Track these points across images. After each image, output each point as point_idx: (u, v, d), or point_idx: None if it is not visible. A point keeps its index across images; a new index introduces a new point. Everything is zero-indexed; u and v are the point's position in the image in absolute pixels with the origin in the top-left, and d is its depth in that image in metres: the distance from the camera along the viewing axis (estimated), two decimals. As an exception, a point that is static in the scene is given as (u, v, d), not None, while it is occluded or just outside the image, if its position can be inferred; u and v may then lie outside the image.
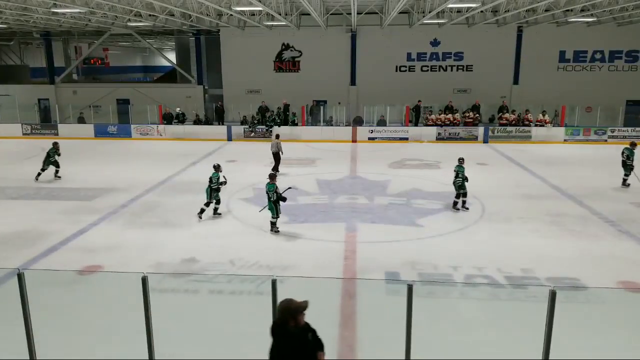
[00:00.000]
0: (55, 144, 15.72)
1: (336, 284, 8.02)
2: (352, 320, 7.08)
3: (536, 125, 23.13)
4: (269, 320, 5.03)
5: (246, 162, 18.32)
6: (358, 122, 25.11)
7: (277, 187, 10.56)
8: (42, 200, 13.40)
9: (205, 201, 11.65)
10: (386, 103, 24.89)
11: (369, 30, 26.26)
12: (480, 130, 23.11)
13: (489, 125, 24.15)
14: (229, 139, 23.61)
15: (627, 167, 14.55)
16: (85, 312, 7.14)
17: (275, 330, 4.16)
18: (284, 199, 10.61)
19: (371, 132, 23.48)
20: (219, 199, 11.83)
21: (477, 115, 24.20)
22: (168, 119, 24.38)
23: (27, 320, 5.16)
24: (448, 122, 23.58)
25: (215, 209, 11.80)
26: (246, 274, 8.52)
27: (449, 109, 24.52)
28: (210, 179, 11.62)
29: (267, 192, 10.58)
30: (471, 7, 19.72)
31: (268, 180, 10.70)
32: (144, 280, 4.99)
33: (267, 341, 5.12)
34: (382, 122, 24.76)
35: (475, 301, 7.92)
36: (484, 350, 6.23)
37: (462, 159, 12.67)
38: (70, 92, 29.44)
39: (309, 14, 21.19)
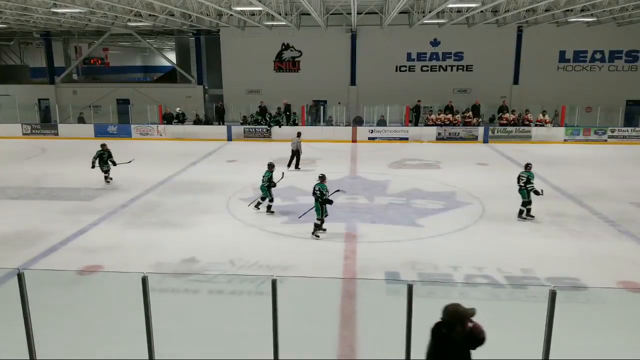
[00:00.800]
0: (104, 146, 15.20)
1: (336, 284, 8.02)
2: (352, 320, 7.07)
3: (536, 125, 23.11)
4: (269, 320, 5.03)
5: (246, 162, 18.33)
6: (358, 122, 25.09)
7: (326, 188, 10.36)
8: (42, 200, 13.40)
9: (268, 197, 11.92)
10: (386, 103, 24.87)
11: (369, 30, 26.25)
12: (480, 130, 23.08)
13: (489, 125, 24.14)
14: (229, 139, 23.60)
15: None
16: (85, 312, 7.14)
17: (439, 333, 4.03)
18: (330, 202, 10.36)
19: (371, 132, 23.46)
20: (265, 196, 12.02)
21: (479, 119, 24.15)
22: (168, 119, 24.36)
23: (27, 320, 5.15)
24: (448, 122, 23.58)
25: (258, 203, 12.13)
26: (246, 274, 8.52)
27: (449, 109, 24.51)
28: (263, 177, 11.87)
29: (316, 192, 10.21)
30: (471, 7, 19.71)
31: (318, 181, 10.43)
32: (144, 280, 4.99)
33: (267, 341, 5.14)
34: (382, 122, 24.74)
35: (475, 301, 7.82)
36: (484, 350, 6.22)
37: (530, 165, 11.76)
38: (70, 92, 29.41)
39: (309, 14, 21.18)
